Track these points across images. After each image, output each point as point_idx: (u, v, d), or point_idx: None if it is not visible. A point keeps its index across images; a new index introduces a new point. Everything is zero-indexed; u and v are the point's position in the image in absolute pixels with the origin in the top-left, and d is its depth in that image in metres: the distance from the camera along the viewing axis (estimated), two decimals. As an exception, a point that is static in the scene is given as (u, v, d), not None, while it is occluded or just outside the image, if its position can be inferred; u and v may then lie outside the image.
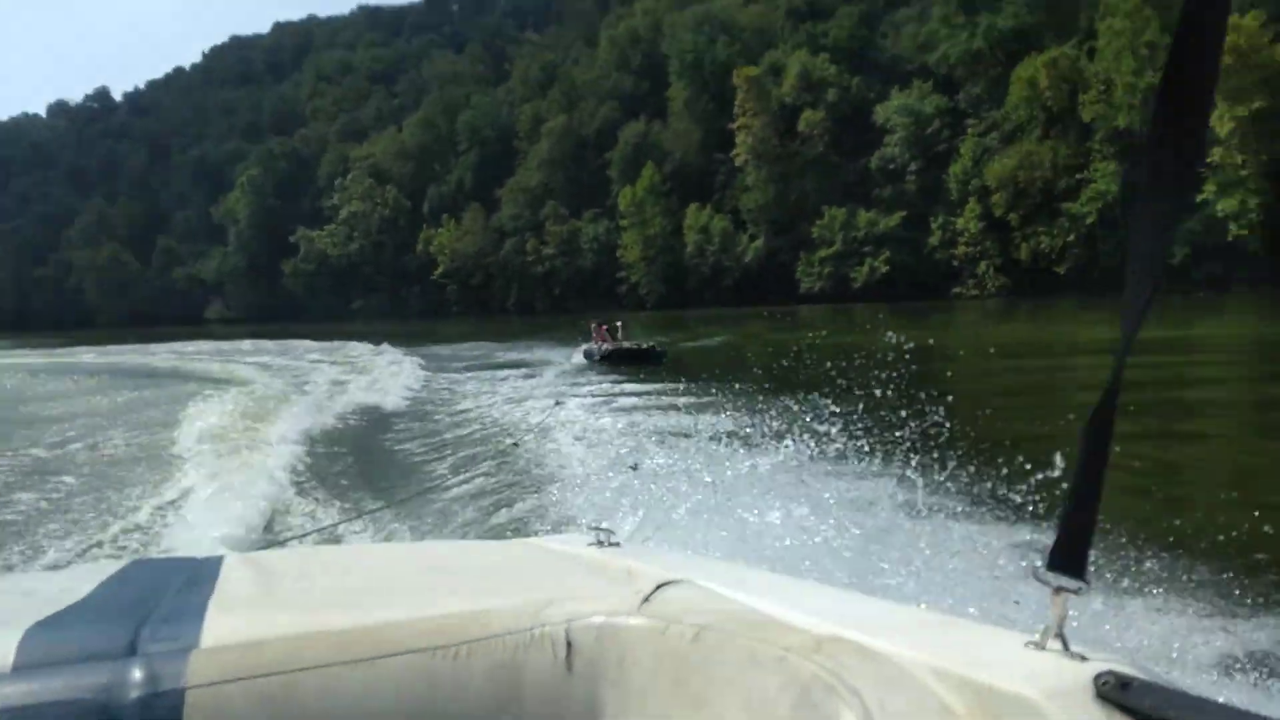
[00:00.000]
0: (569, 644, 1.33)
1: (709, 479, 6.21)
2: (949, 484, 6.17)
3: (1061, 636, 0.98)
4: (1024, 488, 5.37)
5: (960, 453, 6.37)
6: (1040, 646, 1.00)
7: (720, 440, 8.59)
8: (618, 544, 1.85)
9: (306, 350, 37.29)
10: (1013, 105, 55.39)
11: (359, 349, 34.81)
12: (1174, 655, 4.08)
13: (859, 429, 6.57)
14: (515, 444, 11.00)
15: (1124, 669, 0.90)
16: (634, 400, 15.15)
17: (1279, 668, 4.02)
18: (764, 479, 6.23)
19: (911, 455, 6.19)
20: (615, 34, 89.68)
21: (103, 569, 1.66)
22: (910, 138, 61.54)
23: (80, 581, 1.54)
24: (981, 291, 57.11)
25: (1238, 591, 4.92)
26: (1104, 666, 0.91)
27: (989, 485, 6.10)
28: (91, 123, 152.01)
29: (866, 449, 6.67)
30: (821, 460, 6.61)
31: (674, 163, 75.92)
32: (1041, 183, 52.74)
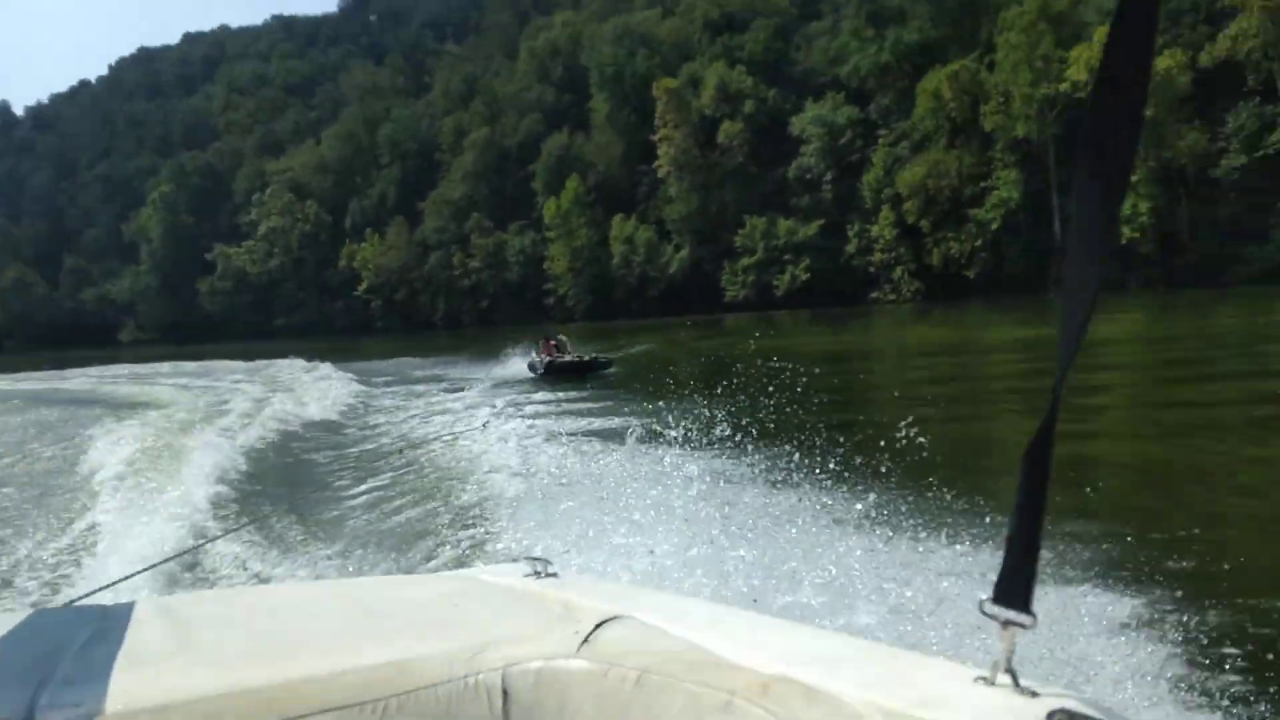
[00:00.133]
0: (505, 692, 1.29)
1: (636, 498, 6.19)
2: (872, 493, 6.18)
3: (1011, 671, 0.95)
4: (952, 494, 5.62)
5: (886, 459, 6.44)
6: (990, 682, 0.97)
7: (644, 456, 8.52)
8: (555, 574, 1.82)
9: (229, 372, 36.70)
10: (919, 116, 57.61)
11: (290, 368, 34.36)
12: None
13: (783, 441, 6.41)
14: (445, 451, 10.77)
15: (1077, 706, 0.87)
16: (559, 415, 15.24)
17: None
18: (689, 492, 6.21)
19: (836, 463, 6.27)
20: (535, 45, 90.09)
21: None
22: (825, 148, 63.41)
23: None
24: (898, 296, 59.19)
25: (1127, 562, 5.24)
26: (1056, 704, 0.88)
27: (916, 493, 6.09)
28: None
29: (793, 461, 6.66)
30: (749, 473, 6.44)
31: (598, 174, 76.67)
32: (949, 190, 55.02)
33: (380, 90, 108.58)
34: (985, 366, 22.86)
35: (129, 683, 1.19)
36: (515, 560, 2.08)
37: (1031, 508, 0.92)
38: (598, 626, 1.34)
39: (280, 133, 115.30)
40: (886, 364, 26.95)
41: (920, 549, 5.45)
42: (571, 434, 12.26)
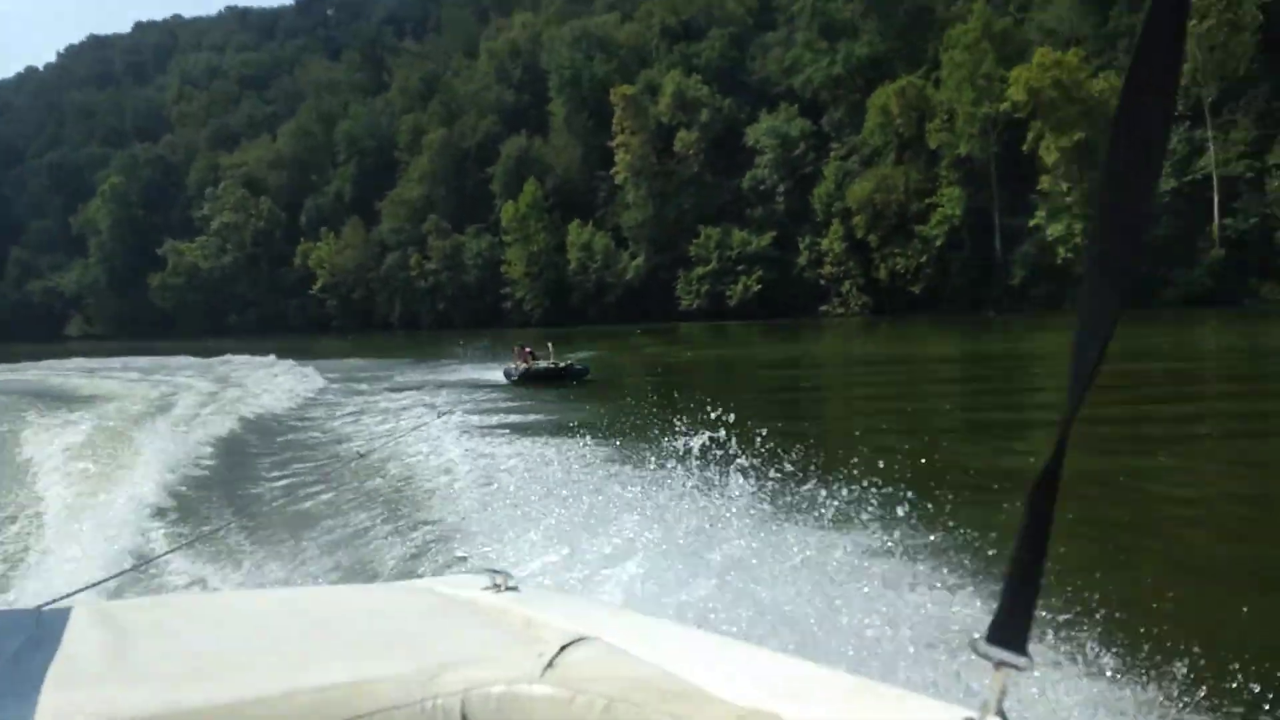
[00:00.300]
0: (464, 717, 1.22)
1: (591, 510, 6.12)
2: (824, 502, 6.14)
3: (1001, 713, 0.93)
4: (903, 509, 5.55)
5: (851, 469, 6.34)
6: None
7: (589, 466, 8.66)
8: (515, 588, 1.76)
9: (181, 368, 36.68)
10: (869, 131, 58.75)
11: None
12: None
13: (736, 449, 6.50)
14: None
15: None
16: (512, 424, 15.18)
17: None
18: (644, 503, 6.12)
19: (765, 468, 6.25)
20: (494, 46, 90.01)
21: None
22: (778, 159, 64.33)
23: None
24: (847, 310, 60.39)
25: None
26: None
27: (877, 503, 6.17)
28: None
29: (748, 471, 6.61)
30: (701, 483, 6.51)
31: (556, 178, 76.96)
32: (896, 206, 56.24)
33: (337, 86, 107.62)
34: (926, 380, 24.15)
35: (61, 698, 1.14)
36: (473, 572, 2.01)
37: (1033, 547, 0.90)
38: (563, 649, 1.29)
39: (234, 126, 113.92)
40: (827, 374, 28.08)
41: (873, 555, 5.44)
42: (519, 441, 12.24)
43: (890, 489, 5.89)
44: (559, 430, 12.97)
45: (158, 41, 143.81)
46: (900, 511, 5.60)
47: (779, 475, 6.34)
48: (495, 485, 8.80)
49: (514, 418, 16.69)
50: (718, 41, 72.25)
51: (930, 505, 6.52)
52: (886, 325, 50.05)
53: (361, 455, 10.64)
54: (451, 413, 15.75)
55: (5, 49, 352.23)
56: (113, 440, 13.32)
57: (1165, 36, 0.79)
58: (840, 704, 1.05)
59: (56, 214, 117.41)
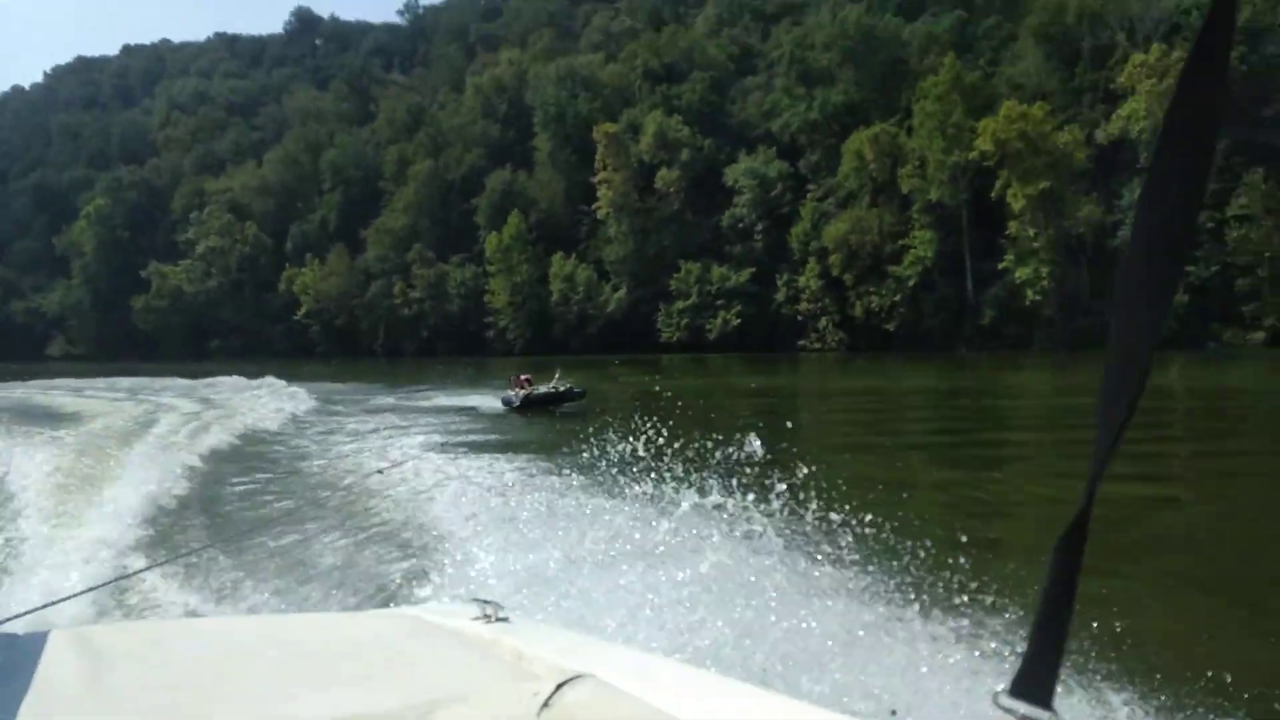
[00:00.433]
0: None
1: (579, 539, 6.07)
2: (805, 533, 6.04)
3: None
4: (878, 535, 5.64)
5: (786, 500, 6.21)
6: None
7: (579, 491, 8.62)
8: (505, 619, 1.71)
9: (174, 390, 36.83)
10: (844, 174, 60.86)
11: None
12: None
13: (716, 479, 6.42)
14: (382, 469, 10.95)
15: None
16: (490, 452, 15.09)
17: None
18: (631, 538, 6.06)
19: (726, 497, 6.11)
20: (480, 82, 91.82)
21: None
22: (757, 199, 66.32)
23: None
24: (823, 345, 62.10)
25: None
26: None
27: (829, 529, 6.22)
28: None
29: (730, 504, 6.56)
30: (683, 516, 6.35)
31: (539, 212, 78.56)
32: (870, 246, 58.22)
33: (324, 115, 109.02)
34: (902, 410, 25.56)
35: None
36: (462, 601, 1.94)
37: (1060, 598, 0.88)
38: (559, 687, 1.25)
39: (220, 152, 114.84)
40: (805, 404, 29.51)
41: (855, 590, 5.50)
42: (504, 468, 12.29)
43: (881, 519, 5.91)
44: (544, 456, 13.05)
45: (145, 65, 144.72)
46: (898, 542, 5.71)
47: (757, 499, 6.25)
48: (482, 512, 8.65)
49: (496, 443, 17.02)
50: (699, 84, 74.38)
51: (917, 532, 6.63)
52: (862, 361, 51.73)
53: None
54: (441, 447, 15.74)
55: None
56: (96, 459, 13.10)
57: (1209, 67, 0.78)
58: None
59: (40, 235, 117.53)
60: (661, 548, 5.68)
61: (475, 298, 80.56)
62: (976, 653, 4.70)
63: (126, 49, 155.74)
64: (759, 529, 5.81)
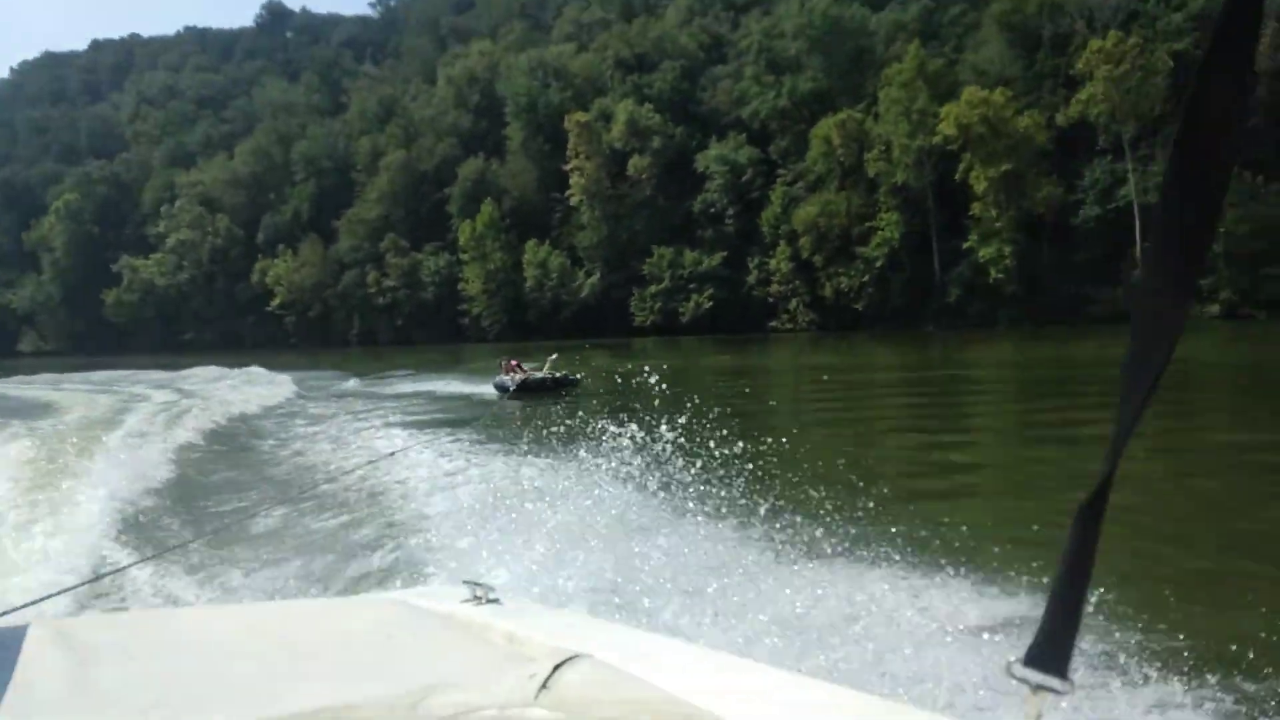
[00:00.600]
0: None
1: (564, 520, 5.99)
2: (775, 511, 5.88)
3: None
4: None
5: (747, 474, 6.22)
6: None
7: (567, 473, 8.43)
8: (497, 600, 1.69)
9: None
10: (813, 159, 61.90)
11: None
12: None
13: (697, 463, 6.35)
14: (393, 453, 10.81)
15: None
16: (473, 438, 14.81)
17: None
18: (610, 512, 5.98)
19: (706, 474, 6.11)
20: (453, 73, 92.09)
21: None
22: (727, 184, 67.25)
23: None
24: (794, 326, 63.15)
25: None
26: None
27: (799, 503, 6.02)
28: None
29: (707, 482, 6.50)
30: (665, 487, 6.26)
31: (512, 200, 79.08)
32: (839, 229, 59.34)
33: (295, 107, 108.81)
34: (872, 387, 26.33)
35: None
36: (451, 583, 1.89)
37: (1078, 568, 0.87)
38: (556, 668, 1.21)
39: (191, 145, 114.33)
40: (778, 382, 30.33)
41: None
42: (486, 454, 12.03)
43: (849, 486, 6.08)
44: (525, 441, 12.80)
45: (114, 60, 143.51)
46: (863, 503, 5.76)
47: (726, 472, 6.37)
48: (469, 496, 8.57)
49: (483, 428, 16.73)
50: (669, 73, 75.15)
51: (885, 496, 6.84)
52: (832, 340, 52.77)
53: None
54: (410, 438, 15.06)
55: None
56: (69, 454, 12.72)
57: (1234, 52, 0.77)
58: None
59: (9, 230, 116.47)
60: (646, 524, 5.58)
61: (449, 286, 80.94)
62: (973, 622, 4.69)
63: (95, 44, 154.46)
64: (741, 501, 5.81)
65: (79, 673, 1.30)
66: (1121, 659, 4.38)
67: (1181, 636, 4.85)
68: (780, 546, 5.60)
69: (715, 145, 69.07)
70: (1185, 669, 4.31)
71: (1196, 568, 6.72)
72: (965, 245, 54.40)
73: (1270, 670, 4.41)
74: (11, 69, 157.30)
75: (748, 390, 25.09)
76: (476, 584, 1.73)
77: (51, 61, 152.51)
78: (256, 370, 39.17)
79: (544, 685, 1.16)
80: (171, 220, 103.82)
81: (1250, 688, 4.28)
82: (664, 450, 6.44)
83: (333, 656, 1.44)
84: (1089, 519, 0.87)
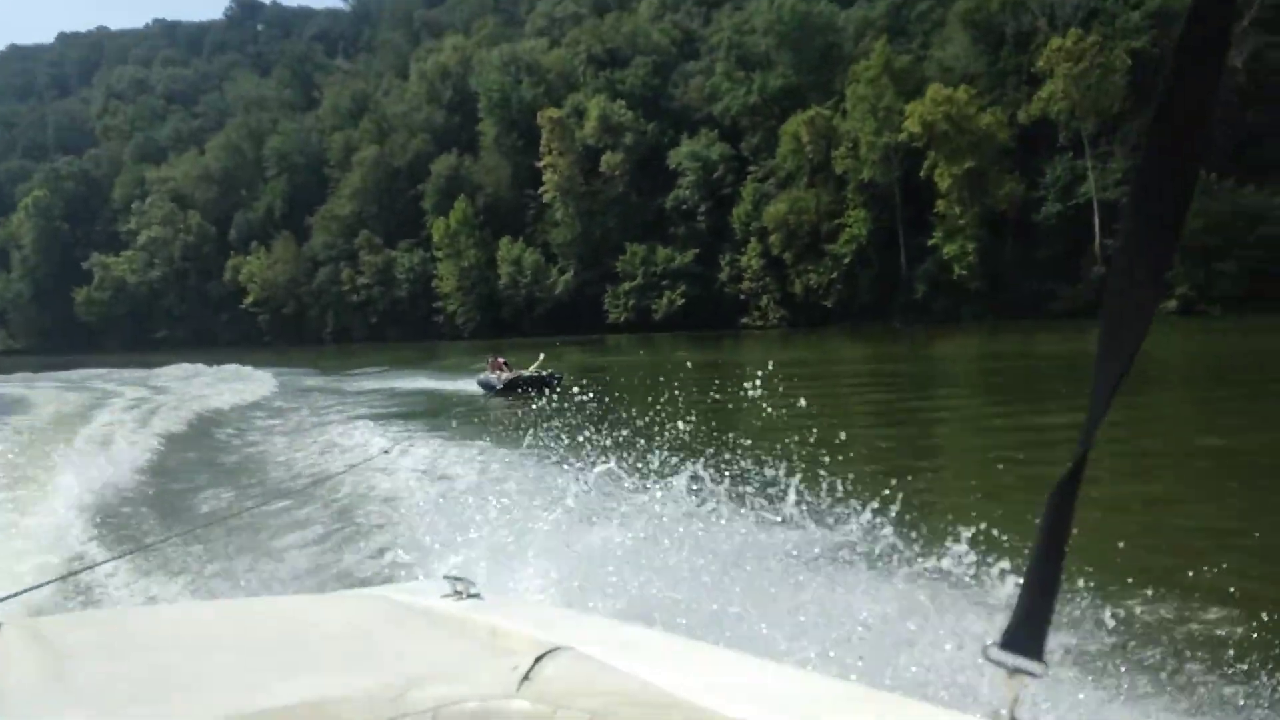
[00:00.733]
0: None
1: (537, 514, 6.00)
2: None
3: None
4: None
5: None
6: None
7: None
8: (477, 595, 1.70)
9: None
10: (783, 156, 62.52)
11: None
12: None
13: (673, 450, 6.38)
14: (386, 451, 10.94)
15: None
16: (455, 436, 14.77)
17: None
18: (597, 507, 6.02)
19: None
20: (425, 68, 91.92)
21: None
22: (699, 181, 67.76)
23: None
24: (765, 322, 63.84)
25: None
26: None
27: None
28: None
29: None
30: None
31: (486, 196, 79.20)
32: (808, 225, 60.04)
33: (266, 102, 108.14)
34: (842, 379, 26.89)
35: None
36: (431, 579, 1.91)
37: (1052, 552, 0.88)
38: (537, 660, 1.22)
39: (161, 140, 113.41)
40: (754, 376, 30.83)
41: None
42: (464, 450, 11.94)
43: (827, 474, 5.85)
44: (511, 435, 12.75)
45: (82, 54, 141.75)
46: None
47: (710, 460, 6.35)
48: (450, 492, 8.53)
49: (465, 425, 16.88)
50: (642, 69, 75.47)
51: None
52: (803, 336, 53.54)
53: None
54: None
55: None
56: (40, 451, 12.71)
57: (1205, 45, 0.78)
58: (842, 713, 1.02)
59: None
60: (625, 519, 5.67)
61: (424, 283, 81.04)
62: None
63: (63, 36, 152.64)
64: (720, 493, 5.82)
65: (55, 670, 1.29)
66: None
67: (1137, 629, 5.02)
68: (750, 534, 5.68)
69: (687, 142, 69.51)
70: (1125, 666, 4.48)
71: (1153, 561, 6.74)
72: (930, 242, 55.23)
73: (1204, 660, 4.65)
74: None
75: (718, 383, 25.48)
76: (457, 579, 1.73)
77: (18, 55, 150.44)
78: (233, 368, 39.44)
79: (526, 677, 1.18)
80: (142, 217, 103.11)
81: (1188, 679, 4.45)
82: (636, 439, 6.54)
83: (313, 651, 1.44)
84: (1063, 501, 0.87)
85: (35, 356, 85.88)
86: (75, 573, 6.21)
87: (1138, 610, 5.35)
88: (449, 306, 79.10)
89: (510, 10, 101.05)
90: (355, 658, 1.36)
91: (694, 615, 4.30)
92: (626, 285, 69.41)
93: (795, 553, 5.37)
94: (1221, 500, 9.21)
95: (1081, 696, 4.08)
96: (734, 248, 65.85)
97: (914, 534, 5.28)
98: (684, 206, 69.18)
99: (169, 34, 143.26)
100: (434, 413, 21.33)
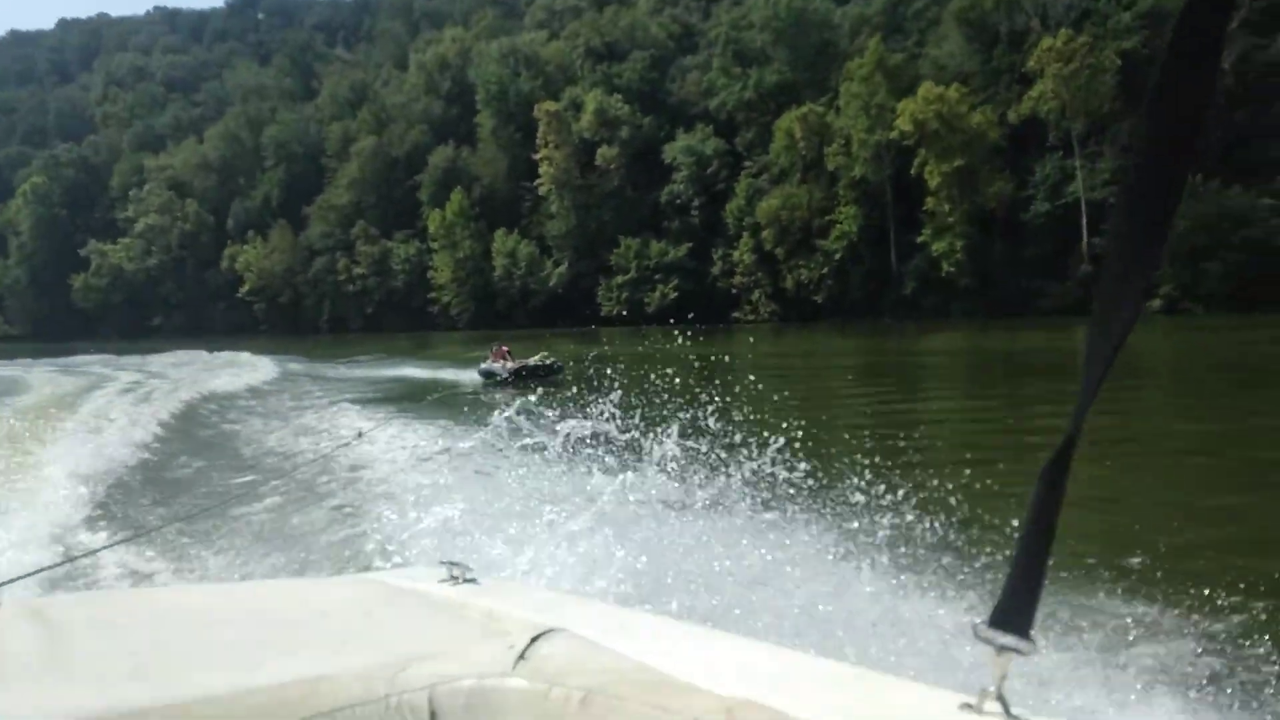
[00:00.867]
0: (433, 714, 1.15)
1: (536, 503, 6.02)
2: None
3: (1002, 699, 0.92)
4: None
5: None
6: (977, 710, 0.92)
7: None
8: (473, 580, 1.71)
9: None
10: (776, 152, 62.90)
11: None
12: None
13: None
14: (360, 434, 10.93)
15: None
16: (444, 422, 14.54)
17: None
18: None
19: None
20: (424, 59, 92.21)
21: None
22: (694, 176, 68.16)
23: None
24: (756, 317, 64.30)
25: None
26: None
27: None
28: None
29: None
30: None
31: (482, 188, 79.60)
32: (800, 221, 60.46)
33: (266, 91, 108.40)
34: (832, 374, 27.11)
35: None
36: (428, 564, 1.94)
37: (1041, 531, 0.89)
38: (533, 641, 1.24)
39: (160, 128, 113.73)
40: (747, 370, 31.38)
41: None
42: (455, 435, 11.75)
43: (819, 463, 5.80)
44: (501, 426, 12.36)
45: (82, 40, 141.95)
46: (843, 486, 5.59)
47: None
48: (447, 479, 8.40)
49: (461, 414, 16.51)
50: (639, 63, 75.82)
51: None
52: (794, 330, 54.00)
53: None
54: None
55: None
56: (32, 435, 12.73)
57: (1199, 36, 0.78)
58: (832, 692, 1.03)
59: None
60: (620, 505, 5.58)
61: (419, 273, 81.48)
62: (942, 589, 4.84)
63: (63, 23, 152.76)
64: (717, 482, 5.68)
65: (52, 647, 1.30)
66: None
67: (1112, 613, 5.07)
68: (740, 518, 5.63)
69: (682, 136, 69.92)
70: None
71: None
72: (920, 239, 55.66)
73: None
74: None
75: (711, 375, 25.51)
76: (454, 564, 1.75)
77: (18, 41, 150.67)
78: (236, 355, 39.87)
79: (521, 656, 1.20)
80: (140, 205, 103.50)
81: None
82: (631, 426, 6.37)
83: (310, 632, 1.45)
84: (1052, 480, 0.88)
85: (32, 342, 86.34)
86: (74, 559, 6.22)
87: (1103, 596, 5.37)
88: (444, 297, 79.54)
89: (510, 2, 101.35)
90: (351, 638, 1.38)
91: (700, 598, 4.31)
92: (620, 278, 69.83)
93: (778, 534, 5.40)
94: (1188, 483, 9.48)
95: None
96: (727, 242, 66.26)
97: (898, 518, 5.29)
98: (678, 201, 69.59)
99: (169, 21, 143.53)
100: (422, 399, 21.49)
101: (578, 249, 72.94)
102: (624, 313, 68.78)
